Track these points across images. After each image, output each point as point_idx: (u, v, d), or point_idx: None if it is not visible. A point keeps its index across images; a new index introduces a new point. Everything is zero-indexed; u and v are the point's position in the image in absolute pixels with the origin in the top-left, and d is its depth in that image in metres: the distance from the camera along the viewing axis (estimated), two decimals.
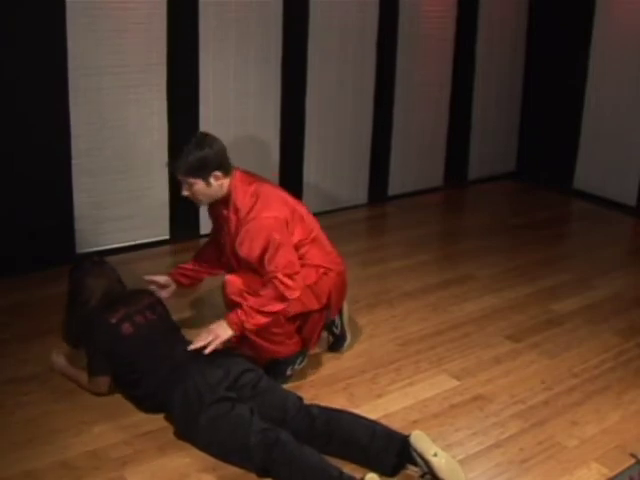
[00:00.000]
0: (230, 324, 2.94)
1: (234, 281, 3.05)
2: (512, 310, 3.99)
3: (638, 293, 4.27)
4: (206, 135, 3.10)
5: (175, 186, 4.57)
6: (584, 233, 5.34)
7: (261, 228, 2.99)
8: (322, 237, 3.26)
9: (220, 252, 3.32)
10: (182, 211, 4.69)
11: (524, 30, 6.14)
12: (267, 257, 2.98)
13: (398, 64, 5.44)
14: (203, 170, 3.00)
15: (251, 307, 2.93)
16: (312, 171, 5.21)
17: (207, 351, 2.88)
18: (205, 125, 4.59)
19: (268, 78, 4.80)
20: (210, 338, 2.91)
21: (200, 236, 4.75)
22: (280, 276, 2.95)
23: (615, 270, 4.60)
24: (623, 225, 5.50)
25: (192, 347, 2.90)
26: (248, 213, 3.02)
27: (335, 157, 5.32)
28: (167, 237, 4.67)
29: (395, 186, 5.72)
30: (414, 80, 5.57)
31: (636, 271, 4.61)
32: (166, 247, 4.63)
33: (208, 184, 3.03)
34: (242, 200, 3.06)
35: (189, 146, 3.01)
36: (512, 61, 6.16)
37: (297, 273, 3.00)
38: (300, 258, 3.10)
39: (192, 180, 3.02)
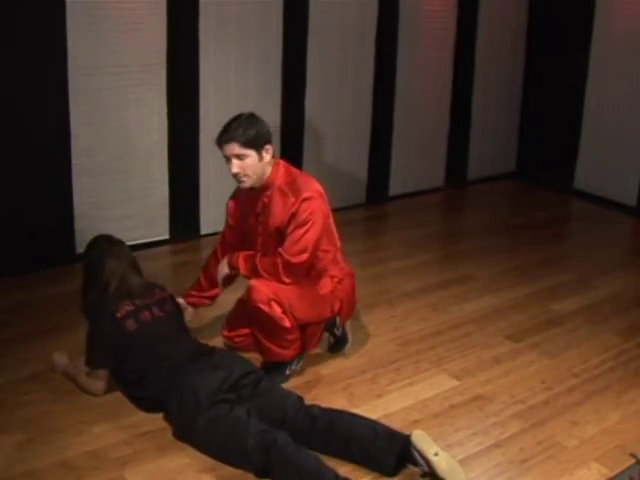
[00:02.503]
0: (230, 267, 3.18)
1: (261, 288, 3.02)
2: (512, 310, 3.99)
3: (638, 293, 4.27)
4: (253, 114, 3.13)
5: (175, 186, 4.63)
6: (584, 233, 5.34)
7: (309, 205, 3.05)
8: (340, 251, 3.31)
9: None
10: (182, 211, 4.70)
11: (524, 30, 6.14)
12: (290, 230, 3.04)
13: (398, 64, 5.44)
14: (258, 141, 3.04)
15: (259, 268, 3.08)
16: (312, 171, 5.15)
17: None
18: (205, 125, 4.60)
19: (268, 78, 4.80)
20: None
21: (200, 236, 4.76)
22: (285, 259, 3.03)
23: (615, 270, 4.60)
24: (623, 225, 5.50)
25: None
26: (296, 191, 3.07)
27: (335, 157, 5.32)
28: (167, 237, 4.68)
29: (395, 186, 5.72)
30: (414, 80, 5.57)
31: (636, 271, 4.61)
32: (166, 247, 4.63)
33: (260, 157, 3.06)
34: (286, 180, 3.12)
35: (240, 121, 3.06)
36: (512, 61, 6.16)
37: (301, 264, 3.06)
38: (318, 269, 3.19)
39: (247, 152, 3.03)
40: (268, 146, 3.08)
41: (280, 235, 3.11)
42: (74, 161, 4.21)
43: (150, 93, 4.38)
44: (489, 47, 5.96)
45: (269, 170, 3.12)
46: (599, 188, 5.81)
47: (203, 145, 4.64)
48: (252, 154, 3.04)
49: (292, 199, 3.07)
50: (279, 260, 3.05)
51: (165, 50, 4.35)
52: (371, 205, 5.56)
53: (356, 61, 5.22)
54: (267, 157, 3.08)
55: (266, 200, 3.15)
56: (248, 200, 3.23)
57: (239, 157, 3.04)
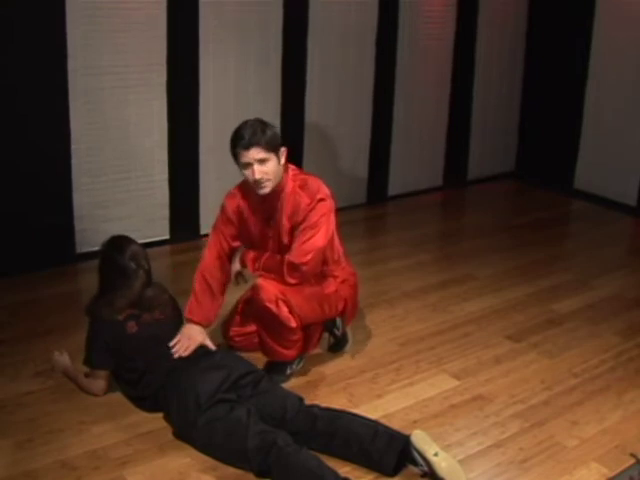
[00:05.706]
0: (242, 263, 3.17)
1: (268, 287, 3.01)
2: (512, 310, 3.99)
3: (638, 293, 4.27)
4: (259, 118, 3.06)
5: (175, 186, 4.63)
6: (584, 233, 5.34)
7: (323, 206, 3.04)
8: (343, 252, 3.30)
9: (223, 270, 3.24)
10: (182, 211, 4.70)
11: (524, 30, 6.14)
12: (300, 230, 3.02)
13: (398, 64, 5.44)
14: (277, 145, 2.98)
15: (262, 265, 3.08)
16: (312, 171, 5.17)
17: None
18: (205, 125, 4.60)
19: (268, 78, 4.80)
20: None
21: (200, 236, 4.76)
22: (290, 259, 3.01)
23: (615, 270, 4.60)
24: (623, 225, 5.50)
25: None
26: (310, 192, 3.05)
27: (335, 157, 5.32)
28: (167, 237, 4.67)
29: (395, 186, 5.72)
30: (414, 80, 5.57)
31: (636, 271, 4.61)
32: (166, 247, 4.63)
33: (279, 161, 2.99)
34: (299, 184, 3.07)
35: (253, 125, 2.95)
36: (512, 61, 6.16)
37: (305, 265, 3.02)
38: (323, 271, 3.18)
39: (269, 155, 2.93)
40: (283, 149, 3.02)
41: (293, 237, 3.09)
42: (74, 161, 4.21)
43: (150, 93, 4.37)
44: (489, 47, 5.96)
45: (282, 173, 3.05)
46: (599, 188, 5.81)
47: (203, 145, 4.64)
48: (273, 158, 2.95)
49: (307, 200, 3.03)
50: (284, 260, 3.03)
51: (165, 50, 4.35)
52: (370, 205, 5.56)
53: (356, 61, 5.22)
54: (282, 160, 3.02)
55: (279, 204, 3.07)
56: (254, 203, 3.13)
57: (262, 161, 2.92)
